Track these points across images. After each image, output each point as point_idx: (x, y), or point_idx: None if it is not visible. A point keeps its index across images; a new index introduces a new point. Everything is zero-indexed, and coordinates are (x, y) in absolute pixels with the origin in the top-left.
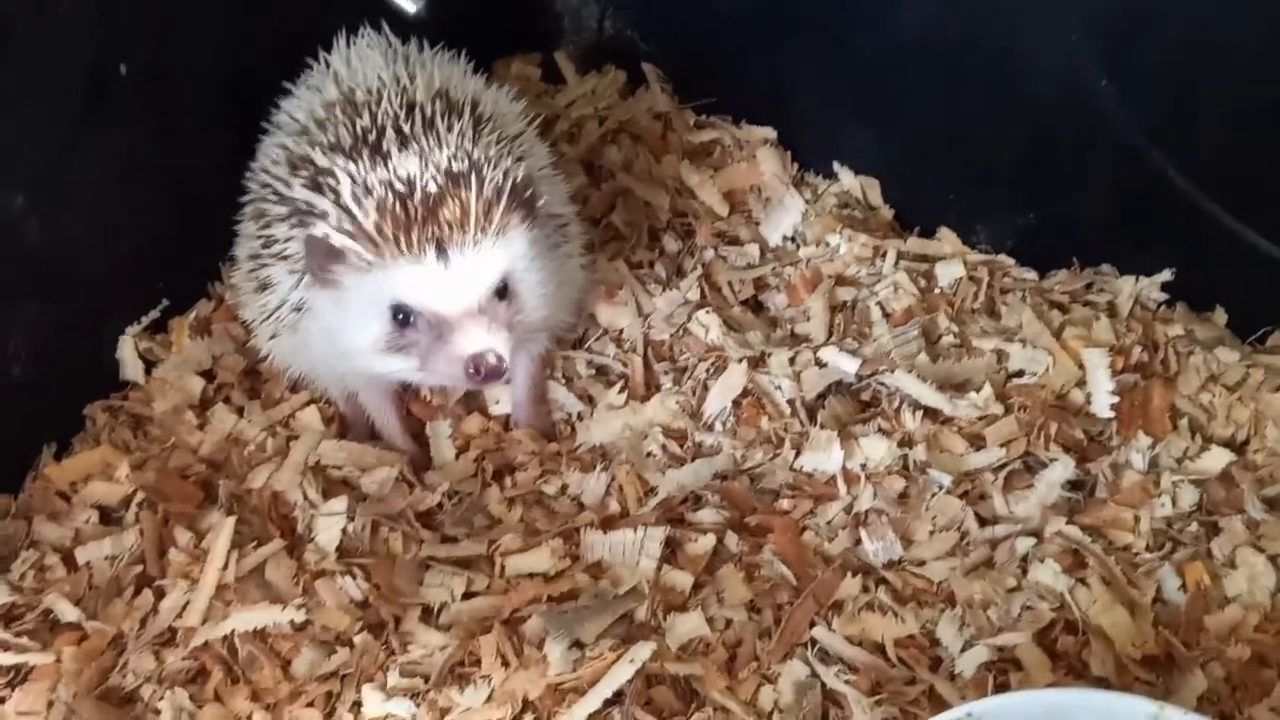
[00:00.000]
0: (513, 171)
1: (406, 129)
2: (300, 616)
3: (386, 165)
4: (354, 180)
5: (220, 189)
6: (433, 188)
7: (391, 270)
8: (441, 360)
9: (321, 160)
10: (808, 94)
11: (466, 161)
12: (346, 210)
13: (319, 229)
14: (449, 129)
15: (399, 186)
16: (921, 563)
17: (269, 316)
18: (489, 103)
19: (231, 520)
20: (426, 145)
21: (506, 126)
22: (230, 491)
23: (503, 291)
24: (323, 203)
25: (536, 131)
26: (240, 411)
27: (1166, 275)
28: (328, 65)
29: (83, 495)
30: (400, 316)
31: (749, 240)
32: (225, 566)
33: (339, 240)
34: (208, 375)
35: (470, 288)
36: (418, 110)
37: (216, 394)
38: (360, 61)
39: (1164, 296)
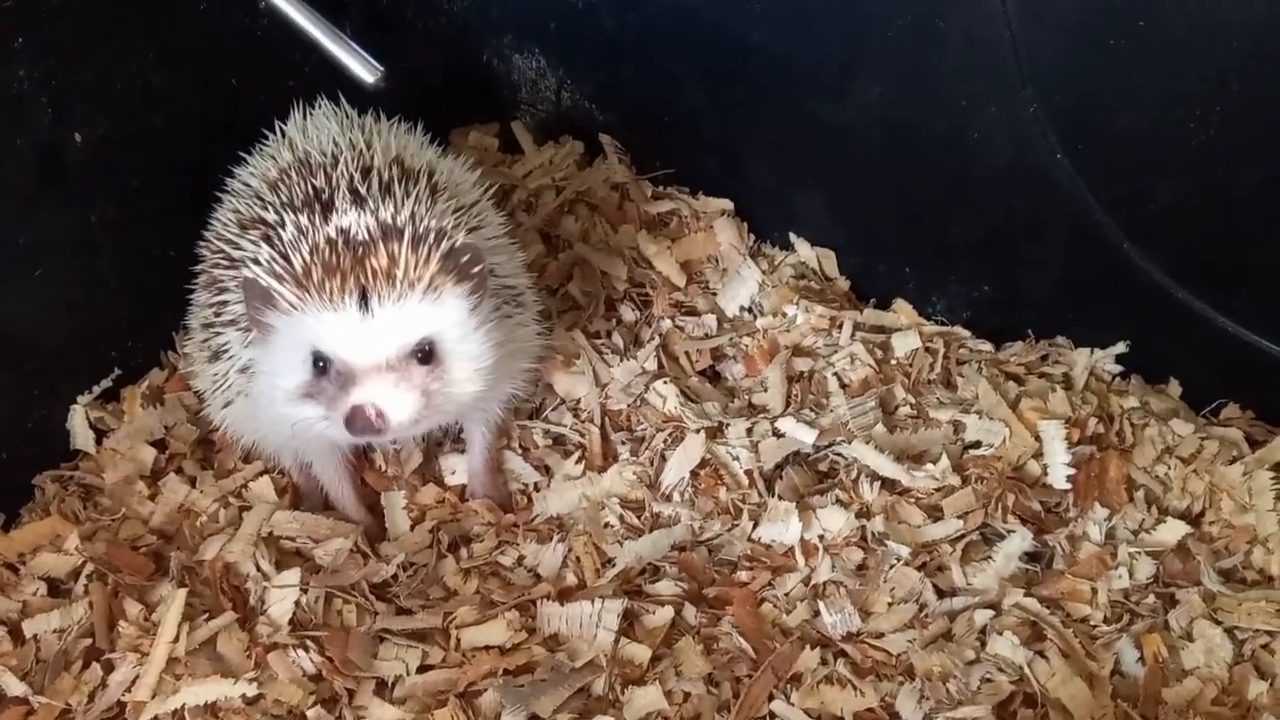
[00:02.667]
0: (455, 236)
1: (362, 190)
2: (252, 690)
3: (330, 218)
4: (298, 229)
5: (174, 257)
6: (363, 236)
7: (312, 316)
8: (337, 411)
9: (272, 217)
10: (764, 166)
11: (410, 219)
12: (281, 255)
13: (252, 271)
14: (406, 194)
15: (333, 235)
16: (880, 635)
17: (222, 385)
18: (445, 172)
19: (183, 592)
20: (380, 205)
21: (462, 196)
22: (181, 563)
23: (427, 355)
24: (264, 250)
25: (492, 201)
26: (192, 482)
27: (1121, 348)
28: (283, 134)
29: (31, 567)
30: (320, 364)
31: (706, 310)
32: (176, 639)
33: (267, 282)
34: (160, 445)
35: (383, 342)
36: (374, 174)
37: (168, 464)
38: (316, 130)
39: (1119, 369)
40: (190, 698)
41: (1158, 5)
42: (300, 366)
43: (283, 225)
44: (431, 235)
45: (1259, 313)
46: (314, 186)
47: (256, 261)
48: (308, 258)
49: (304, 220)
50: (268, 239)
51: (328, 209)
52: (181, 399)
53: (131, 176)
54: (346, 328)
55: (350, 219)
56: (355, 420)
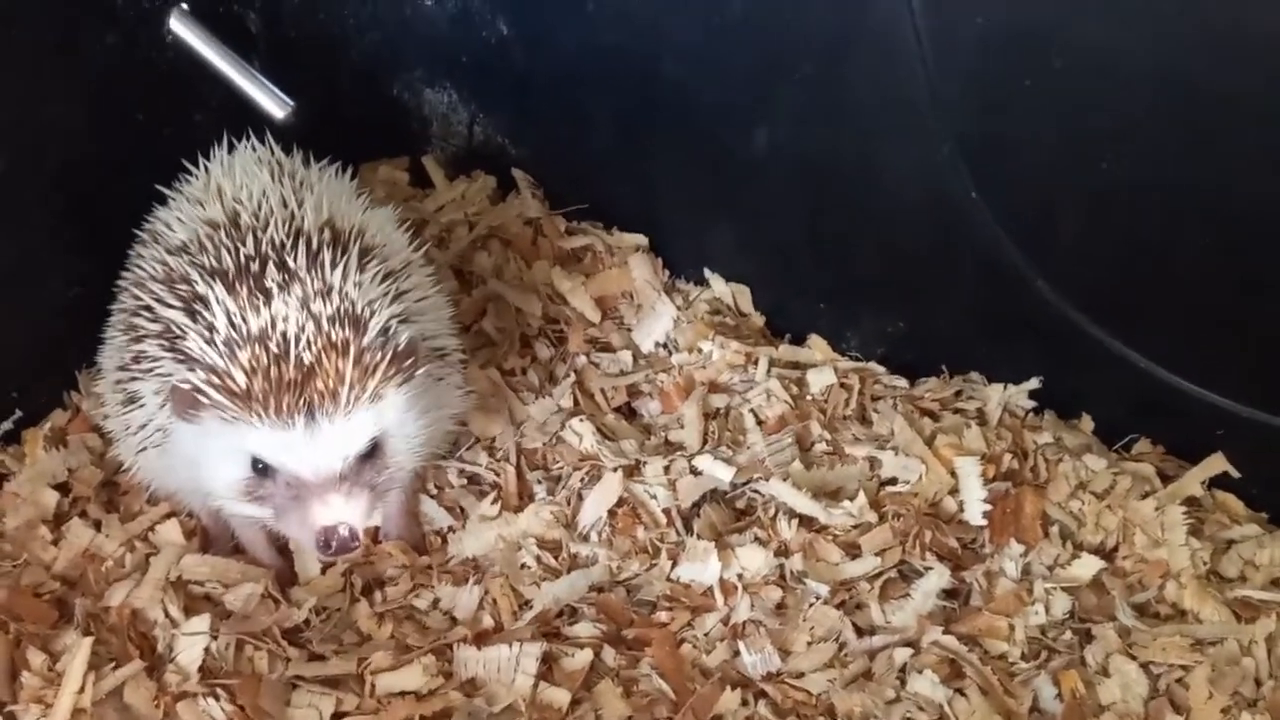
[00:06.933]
0: (395, 335)
1: (291, 263)
2: None
3: (268, 307)
4: (230, 321)
5: (77, 296)
6: (308, 356)
7: (253, 428)
8: (295, 523)
9: (200, 286)
10: (678, 201)
11: (349, 320)
12: (215, 367)
13: (185, 378)
14: (334, 266)
15: (274, 347)
16: (800, 674)
17: (135, 431)
18: (374, 232)
19: (88, 640)
20: (309, 289)
21: (392, 257)
22: (87, 610)
23: (372, 450)
24: (194, 342)
25: (422, 261)
26: (97, 526)
27: (1034, 383)
28: (207, 172)
29: None
30: (260, 466)
31: (621, 347)
32: (82, 689)
33: (205, 393)
34: (62, 488)
35: (334, 455)
36: (303, 242)
37: (72, 508)
38: (246, 177)
39: (1032, 404)
40: None
41: (1068, 47)
42: (237, 464)
43: (213, 306)
44: (377, 341)
45: (1168, 349)
46: (244, 255)
47: (191, 366)
48: (246, 374)
49: (232, 306)
50: (200, 320)
51: (258, 288)
52: (85, 440)
53: (33, 213)
54: (295, 444)
55: (293, 321)
56: (331, 541)
